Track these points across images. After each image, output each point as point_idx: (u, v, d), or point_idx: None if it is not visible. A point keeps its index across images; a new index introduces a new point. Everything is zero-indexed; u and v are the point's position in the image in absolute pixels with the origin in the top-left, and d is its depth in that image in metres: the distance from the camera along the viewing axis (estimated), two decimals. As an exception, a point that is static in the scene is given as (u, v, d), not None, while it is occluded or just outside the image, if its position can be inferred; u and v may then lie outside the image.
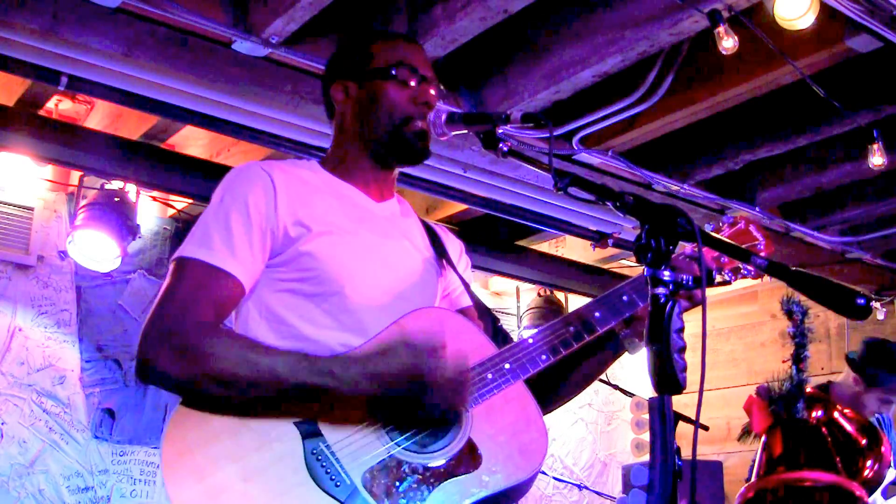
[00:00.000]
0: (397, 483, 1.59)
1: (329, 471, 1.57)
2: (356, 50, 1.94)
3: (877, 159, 3.81)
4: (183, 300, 1.65)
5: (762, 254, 1.91)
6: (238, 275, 1.70)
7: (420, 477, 1.60)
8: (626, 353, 1.93)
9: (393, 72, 1.86)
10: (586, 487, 5.44)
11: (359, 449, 1.60)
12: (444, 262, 1.98)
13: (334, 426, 1.61)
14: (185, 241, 1.73)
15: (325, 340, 1.72)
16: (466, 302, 1.99)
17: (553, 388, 1.93)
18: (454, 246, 2.06)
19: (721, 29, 2.97)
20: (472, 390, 1.66)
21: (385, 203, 1.94)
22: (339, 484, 1.56)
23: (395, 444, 1.62)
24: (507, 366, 1.72)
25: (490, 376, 1.70)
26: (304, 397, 1.59)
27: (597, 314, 1.82)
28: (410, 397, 1.59)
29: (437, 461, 1.62)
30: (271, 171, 1.80)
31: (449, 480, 1.60)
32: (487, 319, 1.92)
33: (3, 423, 4.41)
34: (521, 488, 1.66)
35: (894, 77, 3.58)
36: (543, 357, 1.76)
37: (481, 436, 1.65)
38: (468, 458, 1.63)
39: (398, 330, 1.72)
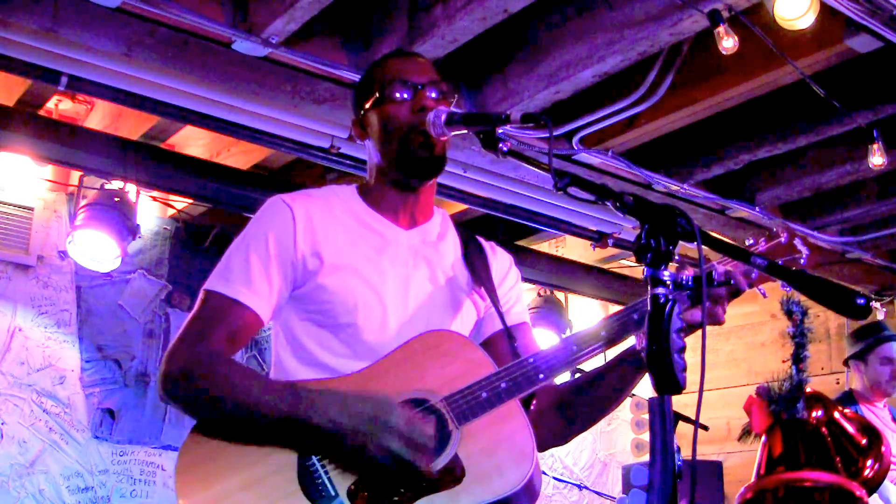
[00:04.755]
0: (381, 495, 1.65)
1: (318, 482, 1.66)
2: (361, 84, 1.98)
3: (877, 159, 3.81)
4: (198, 329, 1.77)
5: (804, 266, 1.89)
6: (253, 306, 1.80)
7: (403, 490, 1.65)
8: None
9: (385, 92, 1.88)
10: (586, 487, 5.43)
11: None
12: (480, 283, 1.96)
13: None
14: (211, 274, 1.86)
15: (342, 368, 1.79)
16: (495, 327, 1.97)
17: (578, 410, 1.93)
18: (499, 265, 2.05)
19: (721, 29, 2.97)
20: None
21: (415, 230, 1.95)
22: (324, 494, 1.65)
23: None
24: (503, 385, 1.73)
25: (485, 395, 1.72)
26: (288, 429, 1.66)
27: (602, 334, 1.81)
28: (368, 438, 1.63)
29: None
30: (294, 204, 1.86)
31: (432, 495, 1.64)
32: (519, 343, 1.92)
33: (3, 423, 4.41)
34: (505, 501, 1.67)
35: (894, 77, 3.57)
36: (541, 377, 1.75)
37: (468, 452, 1.68)
38: (452, 474, 1.66)
39: (402, 353, 1.78)
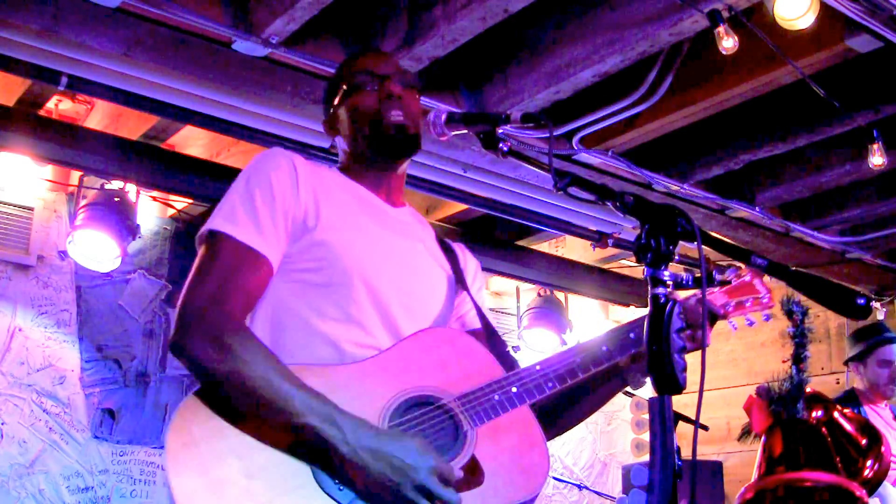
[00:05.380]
0: None
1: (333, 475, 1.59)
2: (329, 86, 2.03)
3: (877, 159, 3.81)
4: (217, 282, 1.68)
5: (764, 308, 1.94)
6: (266, 253, 1.73)
7: None
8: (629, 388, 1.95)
9: (353, 85, 1.93)
10: (586, 487, 5.43)
11: None
12: (459, 280, 1.99)
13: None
14: (211, 216, 1.76)
15: (331, 333, 1.74)
16: (476, 325, 1.99)
17: (558, 415, 1.95)
18: (470, 265, 2.07)
19: (721, 29, 2.97)
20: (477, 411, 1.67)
21: (400, 209, 1.98)
22: (342, 489, 1.57)
23: None
24: (514, 389, 1.73)
25: (497, 398, 1.71)
26: (306, 437, 1.58)
27: (604, 348, 1.83)
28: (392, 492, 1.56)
29: None
30: (295, 157, 1.85)
31: None
32: (495, 343, 1.92)
33: (3, 423, 4.41)
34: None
35: (894, 77, 3.58)
36: (550, 384, 1.77)
37: (484, 454, 1.66)
38: (470, 476, 1.63)
39: (408, 348, 1.74)
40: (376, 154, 1.93)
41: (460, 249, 2.07)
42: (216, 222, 1.74)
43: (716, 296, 1.93)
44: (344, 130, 1.96)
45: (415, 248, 1.92)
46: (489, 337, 1.95)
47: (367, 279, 1.78)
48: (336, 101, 1.97)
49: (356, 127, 1.92)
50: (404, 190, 2.04)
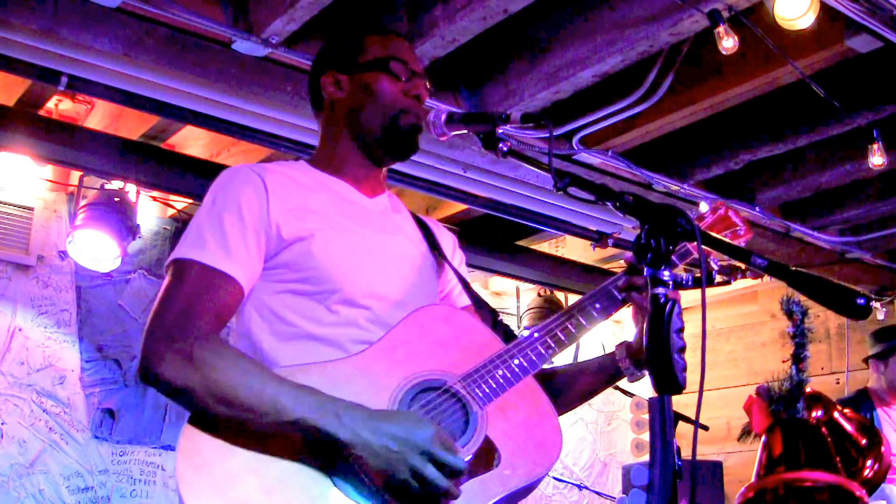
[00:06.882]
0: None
1: (350, 475, 1.56)
2: (348, 42, 1.95)
3: (877, 159, 3.81)
4: (184, 304, 1.63)
5: (742, 238, 1.94)
6: (235, 275, 1.69)
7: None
8: (625, 379, 1.93)
9: (386, 64, 1.87)
10: (586, 487, 5.42)
11: None
12: (440, 257, 1.97)
13: None
14: (179, 243, 1.72)
15: (333, 336, 1.72)
16: (465, 301, 1.98)
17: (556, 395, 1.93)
18: (447, 240, 2.05)
19: (721, 29, 2.97)
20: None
21: (377, 198, 1.94)
22: (360, 489, 1.55)
23: None
24: (516, 361, 1.72)
25: (500, 373, 1.69)
26: (304, 432, 1.54)
27: (597, 305, 1.83)
28: (399, 468, 1.53)
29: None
30: (262, 172, 1.79)
31: (469, 481, 1.59)
32: (487, 315, 1.91)
33: (3, 423, 4.41)
34: (537, 484, 1.66)
35: (894, 77, 3.58)
36: (550, 350, 1.76)
37: (497, 433, 1.64)
38: (487, 457, 1.61)
39: (403, 333, 1.72)
40: (385, 150, 1.89)
41: (434, 225, 2.05)
42: (182, 250, 1.70)
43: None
44: (359, 101, 1.88)
45: (395, 240, 1.89)
46: (479, 309, 1.93)
47: (357, 282, 1.76)
48: (360, 65, 1.89)
49: (375, 109, 1.87)
50: (387, 184, 2.02)
